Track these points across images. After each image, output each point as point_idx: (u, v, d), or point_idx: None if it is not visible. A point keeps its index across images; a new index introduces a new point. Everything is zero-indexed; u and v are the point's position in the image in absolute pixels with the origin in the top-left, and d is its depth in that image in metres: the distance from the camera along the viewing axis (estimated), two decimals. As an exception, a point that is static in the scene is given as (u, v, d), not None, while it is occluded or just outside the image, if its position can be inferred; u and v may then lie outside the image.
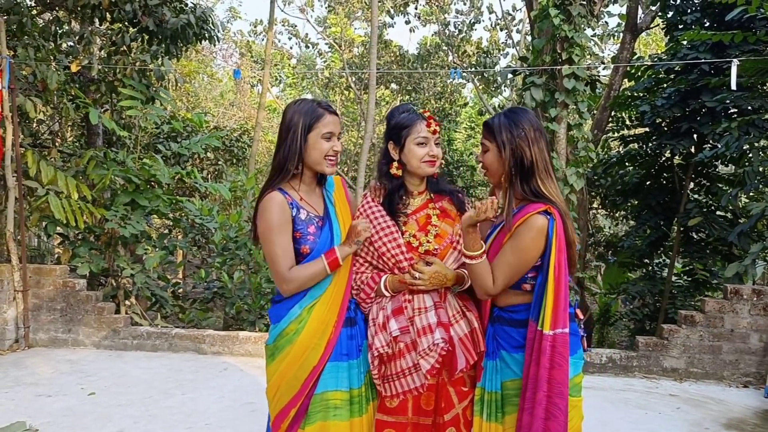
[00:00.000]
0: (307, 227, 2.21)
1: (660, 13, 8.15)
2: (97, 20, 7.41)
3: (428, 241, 2.24)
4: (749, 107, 6.55)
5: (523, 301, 2.13)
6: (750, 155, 6.38)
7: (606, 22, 13.02)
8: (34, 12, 7.12)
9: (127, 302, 6.38)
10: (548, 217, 2.05)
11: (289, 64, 21.27)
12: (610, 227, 12.44)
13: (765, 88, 7.01)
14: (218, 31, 8.29)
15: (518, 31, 16.41)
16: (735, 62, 5.31)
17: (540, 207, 2.06)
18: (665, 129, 7.62)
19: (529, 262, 2.07)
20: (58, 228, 6.21)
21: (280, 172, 2.23)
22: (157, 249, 6.76)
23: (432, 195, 2.35)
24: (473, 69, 15.30)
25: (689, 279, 8.02)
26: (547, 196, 2.10)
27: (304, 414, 2.18)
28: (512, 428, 2.10)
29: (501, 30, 16.40)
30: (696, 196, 7.78)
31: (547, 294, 2.01)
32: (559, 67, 6.15)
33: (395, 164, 2.30)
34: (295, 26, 18.44)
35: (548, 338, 1.98)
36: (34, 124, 8.74)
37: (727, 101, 6.54)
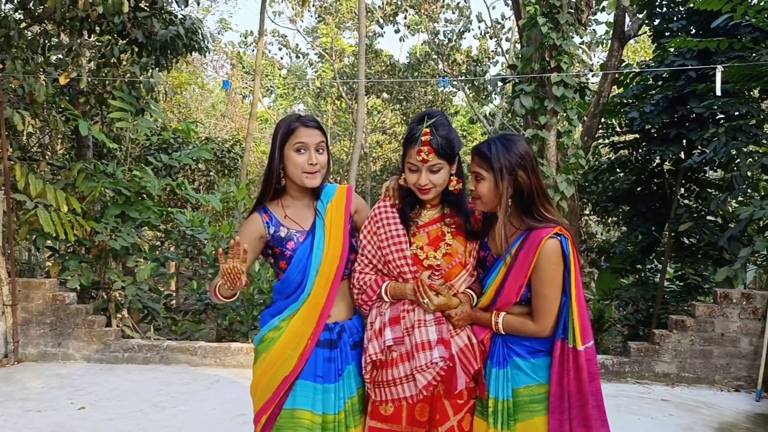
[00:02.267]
0: (286, 243, 2.23)
1: (647, 21, 8.23)
2: (85, 32, 7.41)
3: (435, 257, 2.18)
4: (736, 113, 6.61)
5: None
6: (738, 160, 6.43)
7: (594, 29, 13.13)
8: (22, 25, 7.11)
9: (118, 315, 6.34)
10: (559, 238, 2.06)
11: (280, 75, 21.31)
12: (602, 233, 12.48)
13: (751, 93, 7.08)
14: (208, 43, 8.31)
15: (507, 40, 16.52)
16: (719, 69, 5.37)
17: (549, 231, 2.05)
18: (654, 135, 7.67)
19: (560, 286, 2.08)
20: (48, 241, 6.16)
21: (266, 187, 2.26)
22: (148, 261, 6.73)
23: (446, 209, 2.26)
24: (463, 77, 15.37)
25: (681, 284, 8.05)
26: (552, 219, 2.10)
27: (274, 422, 2.18)
28: None
29: (490, 38, 16.51)
30: (686, 201, 7.82)
31: (573, 312, 2.06)
32: (548, 75, 6.19)
33: (403, 176, 2.23)
34: (285, 37, 18.52)
35: (582, 354, 2.05)
36: (23, 137, 8.71)
37: (715, 107, 6.59)
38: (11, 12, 7.18)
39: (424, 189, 2.15)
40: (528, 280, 2.09)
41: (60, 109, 7.29)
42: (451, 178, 2.19)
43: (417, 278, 2.14)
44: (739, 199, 7.34)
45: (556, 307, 2.08)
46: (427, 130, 2.10)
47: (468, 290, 2.23)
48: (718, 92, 5.38)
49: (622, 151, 8.63)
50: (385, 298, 2.21)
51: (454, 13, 16.29)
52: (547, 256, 2.04)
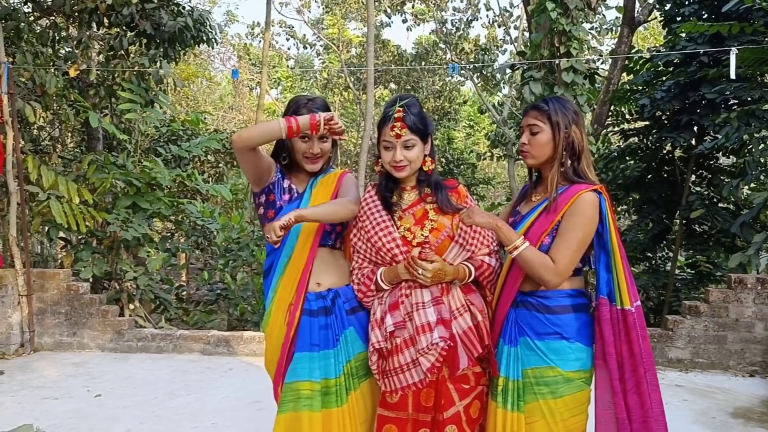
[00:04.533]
0: (282, 194, 2.35)
1: (657, 6, 8.15)
2: (94, 25, 7.43)
3: (423, 235, 2.21)
4: (749, 98, 6.54)
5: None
6: (750, 146, 6.37)
7: (603, 15, 13.00)
8: (32, 18, 7.13)
9: (131, 306, 6.38)
10: (599, 195, 2.11)
11: (287, 66, 21.28)
12: (612, 222, 12.41)
13: (764, 78, 7.00)
14: (216, 34, 8.30)
15: (516, 28, 16.41)
16: (734, 51, 5.30)
17: (587, 187, 2.11)
18: (665, 122, 7.61)
19: (591, 235, 2.10)
20: (61, 233, 6.21)
21: (273, 154, 2.42)
22: (159, 252, 6.77)
23: (425, 189, 2.31)
24: (472, 64, 15.29)
25: (693, 272, 8.01)
26: (590, 179, 2.17)
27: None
28: (531, 418, 2.09)
29: (498, 27, 16.40)
30: (697, 188, 7.77)
31: (618, 270, 2.07)
32: (557, 61, 6.14)
33: (380, 161, 2.30)
34: (292, 27, 18.47)
35: (631, 313, 2.05)
36: (35, 130, 8.76)
37: (727, 92, 6.53)
38: (21, 4, 7.20)
39: (399, 166, 2.21)
40: (552, 228, 2.11)
41: (70, 102, 7.31)
42: (425, 158, 2.26)
43: (412, 258, 2.16)
44: (752, 185, 7.27)
45: (577, 255, 2.08)
46: (400, 108, 2.19)
47: (463, 264, 2.22)
48: (733, 75, 5.31)
49: (632, 139, 8.57)
50: (383, 285, 2.23)
51: (462, 1, 16.22)
52: (582, 203, 2.08)
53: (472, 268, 2.21)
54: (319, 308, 2.26)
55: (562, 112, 2.17)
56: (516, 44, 15.91)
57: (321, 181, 2.40)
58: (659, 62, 7.50)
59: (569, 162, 2.17)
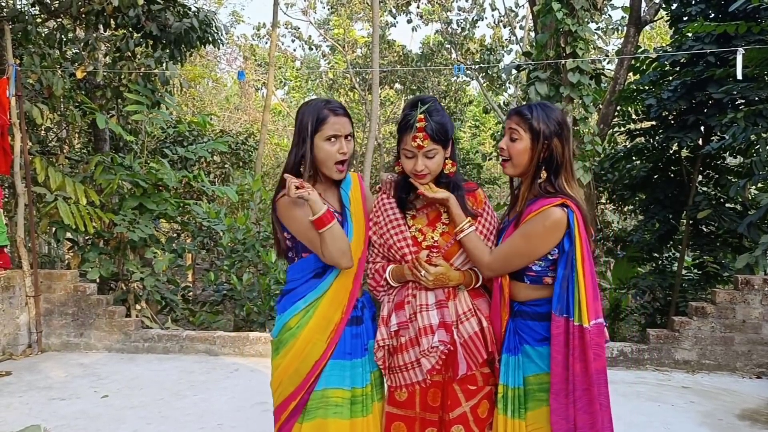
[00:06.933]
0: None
1: (664, 5, 8.12)
2: (101, 26, 7.47)
3: (432, 237, 2.22)
4: (756, 98, 6.51)
5: (545, 295, 2.12)
6: (757, 146, 6.34)
7: (609, 15, 12.96)
8: (39, 20, 7.17)
9: (137, 306, 6.41)
10: (566, 210, 2.03)
11: (293, 66, 21.32)
12: (618, 222, 12.37)
13: (771, 78, 6.96)
14: (222, 35, 8.32)
15: (521, 28, 16.40)
16: (740, 51, 5.28)
17: (555, 201, 2.03)
18: (672, 122, 7.58)
19: (536, 249, 2.05)
20: (68, 233, 6.24)
21: (291, 171, 2.20)
22: (165, 252, 6.79)
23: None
24: (477, 65, 15.27)
25: (699, 272, 7.98)
26: (566, 192, 2.08)
27: (303, 407, 2.19)
28: (535, 424, 2.08)
29: (504, 27, 16.38)
30: (704, 188, 7.74)
31: (579, 286, 1.99)
32: (563, 61, 6.13)
33: (400, 162, 2.26)
34: (298, 28, 18.50)
35: (588, 331, 1.97)
36: (42, 132, 8.82)
37: (734, 92, 6.50)
38: (28, 7, 7.25)
39: (420, 174, 2.18)
40: None
41: (77, 103, 7.35)
42: (446, 161, 2.22)
43: (417, 258, 2.17)
44: (759, 185, 7.24)
45: (511, 260, 2.08)
46: (422, 116, 2.11)
47: (471, 269, 2.23)
48: (740, 76, 5.29)
49: (638, 139, 8.54)
50: (391, 282, 2.26)
51: (467, 1, 16.20)
52: (542, 217, 2.03)
53: (480, 277, 2.23)
54: (352, 318, 2.24)
55: (545, 121, 2.08)
56: (522, 44, 15.89)
57: (351, 196, 2.29)
58: (666, 62, 7.48)
59: (545, 175, 2.10)
